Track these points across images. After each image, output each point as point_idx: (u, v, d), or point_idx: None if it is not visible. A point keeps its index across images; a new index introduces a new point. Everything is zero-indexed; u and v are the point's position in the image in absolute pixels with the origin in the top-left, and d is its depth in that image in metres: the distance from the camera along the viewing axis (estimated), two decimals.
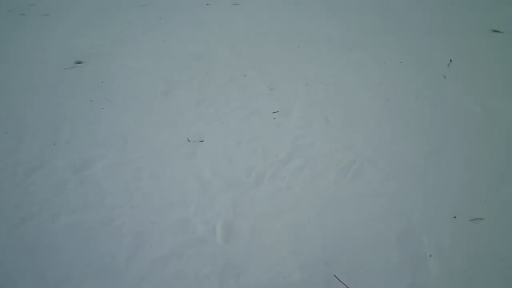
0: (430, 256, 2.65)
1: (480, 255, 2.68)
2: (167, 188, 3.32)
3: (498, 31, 6.36)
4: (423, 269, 2.59)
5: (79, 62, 5.76)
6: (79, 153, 3.78)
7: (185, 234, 2.87)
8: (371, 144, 3.76)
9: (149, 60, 5.78)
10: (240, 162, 3.57)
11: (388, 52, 5.76)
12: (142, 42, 6.40)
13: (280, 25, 7.00)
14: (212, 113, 4.38)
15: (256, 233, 2.87)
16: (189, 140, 3.91)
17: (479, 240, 2.79)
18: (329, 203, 3.12)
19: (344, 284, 2.47)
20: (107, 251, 2.79)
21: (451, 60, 5.38)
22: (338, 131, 3.99)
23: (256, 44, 6.20)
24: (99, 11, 8.03)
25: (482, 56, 5.58)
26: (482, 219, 2.92)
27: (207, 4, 8.55)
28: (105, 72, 5.44)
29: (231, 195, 3.19)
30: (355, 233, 2.85)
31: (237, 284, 2.53)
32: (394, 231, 2.85)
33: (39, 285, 2.57)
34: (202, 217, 3.00)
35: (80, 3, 8.57)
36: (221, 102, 4.59)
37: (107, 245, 2.83)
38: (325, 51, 5.90)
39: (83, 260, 2.73)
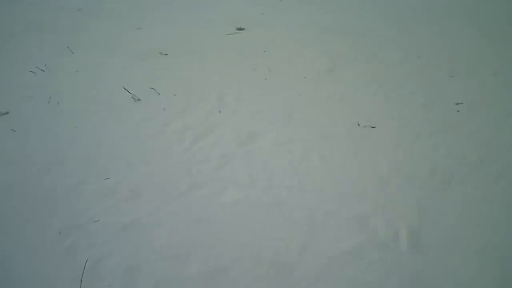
0: None
1: None
2: (338, 176, 3.00)
3: None
4: None
5: (240, 29, 5.62)
6: (244, 125, 3.61)
7: (363, 234, 2.52)
8: None
9: (310, 31, 5.44)
10: (420, 159, 3.10)
11: None
12: (302, 12, 6.07)
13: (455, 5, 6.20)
14: (383, 97, 3.93)
15: (448, 246, 2.42)
16: (359, 125, 3.52)
17: None
18: None
19: None
20: (279, 236, 2.55)
21: None
22: None
23: (430, 22, 5.51)
24: None
25: None
26: None
27: None
28: (266, 41, 5.23)
29: (414, 197, 2.76)
30: None
31: None
32: None
33: (210, 259, 2.43)
34: (382, 217, 2.62)
35: None
36: (392, 85, 4.11)
37: (278, 230, 2.59)
38: None
39: (254, 242, 2.52)
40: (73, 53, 5.21)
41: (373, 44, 4.96)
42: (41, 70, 4.78)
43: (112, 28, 5.88)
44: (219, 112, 3.81)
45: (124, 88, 4.13)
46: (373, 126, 3.51)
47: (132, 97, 4.06)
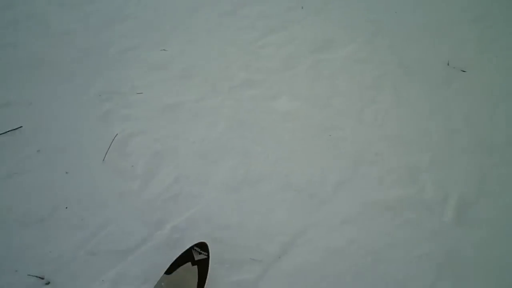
0: None
1: None
2: (404, 118, 2.64)
3: None
4: None
5: None
6: (320, 33, 3.21)
7: (409, 188, 2.23)
8: None
9: None
10: (502, 123, 2.64)
11: None
12: None
13: None
14: (488, 37, 3.31)
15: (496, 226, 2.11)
16: (448, 65, 3.03)
17: None
18: None
19: None
20: (320, 165, 2.33)
21: None
22: None
23: None
24: None
25: None
26: None
27: None
28: None
29: (479, 163, 2.38)
30: None
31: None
32: None
33: (239, 169, 2.27)
34: (435, 176, 2.30)
35: None
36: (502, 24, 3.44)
37: (323, 158, 2.36)
38: None
39: (291, 166, 2.32)
40: None
41: None
42: None
43: None
44: (302, 7, 3.39)
45: None
46: (464, 70, 3.01)
47: None
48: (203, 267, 1.77)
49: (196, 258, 1.77)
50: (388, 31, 3.26)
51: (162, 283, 1.73)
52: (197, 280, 1.74)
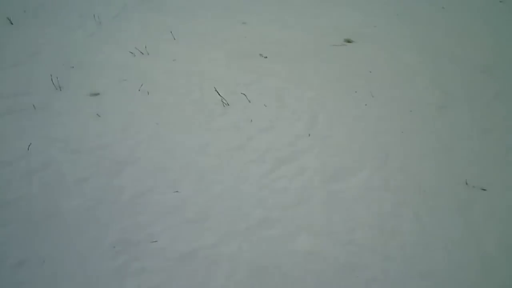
0: None
1: None
2: (432, 244, 2.51)
3: None
4: None
5: (348, 41, 5.15)
6: (332, 157, 3.22)
7: None
8: None
9: (426, 56, 4.83)
10: None
11: None
12: (421, 33, 5.43)
13: None
14: (502, 151, 3.30)
15: None
16: (467, 184, 2.97)
17: None
18: None
19: None
20: None
21: None
22: None
23: None
24: None
25: None
26: None
27: (500, 1, 7.01)
28: (374, 59, 4.71)
29: None
30: None
31: None
32: None
33: None
34: None
35: None
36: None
37: None
38: None
39: None
40: (175, 39, 5.05)
41: (498, 82, 4.25)
42: (141, 52, 4.69)
43: (217, 19, 5.66)
44: (309, 135, 3.43)
45: (215, 90, 3.88)
46: (484, 188, 2.94)
47: (222, 101, 3.81)
48: None
49: None
50: (398, 152, 3.25)
51: None
52: None
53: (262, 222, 2.65)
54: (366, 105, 3.87)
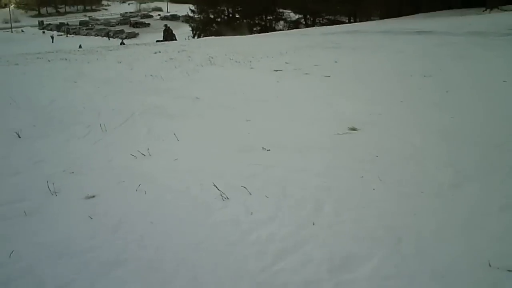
0: None
1: None
2: None
3: None
4: None
5: (353, 129, 5.05)
6: (338, 246, 2.91)
7: None
8: None
9: (432, 138, 4.66)
10: None
11: None
12: (425, 116, 5.33)
13: None
14: None
15: None
16: (490, 265, 2.59)
17: None
18: None
19: None
20: None
21: None
22: None
23: None
24: (382, 79, 7.35)
25: None
26: None
27: (504, 81, 7.00)
28: (380, 144, 4.55)
29: None
30: None
31: None
32: None
33: None
34: None
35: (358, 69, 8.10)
36: None
37: None
38: None
39: None
40: (178, 140, 5.03)
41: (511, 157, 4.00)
42: (142, 154, 4.64)
43: (221, 118, 5.70)
44: (313, 224, 3.15)
45: (213, 185, 3.71)
46: (510, 269, 2.56)
47: (221, 195, 3.61)
48: None
49: None
50: (410, 236, 2.93)
51: None
52: None
53: None
54: (374, 189, 3.62)
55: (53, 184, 3.87)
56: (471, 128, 4.78)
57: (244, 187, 3.70)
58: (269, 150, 4.60)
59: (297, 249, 2.87)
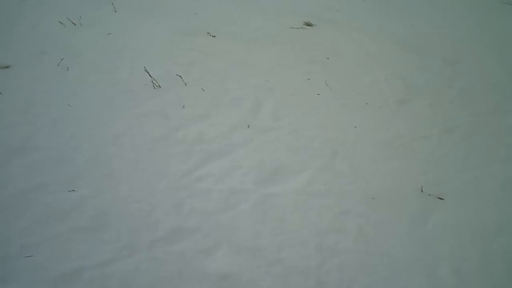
0: None
1: None
2: (375, 267, 2.01)
3: None
4: None
5: (308, 25, 4.60)
6: (271, 154, 2.67)
7: None
8: None
9: (388, 45, 4.32)
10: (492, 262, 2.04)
11: None
12: (385, 20, 4.91)
13: None
14: (463, 153, 2.82)
15: None
16: (422, 191, 2.48)
17: None
18: None
19: None
20: None
21: None
22: None
23: None
24: None
25: None
26: None
27: None
28: (333, 45, 4.18)
29: None
30: None
31: None
32: None
33: None
34: None
35: None
36: (480, 140, 2.97)
37: None
38: None
39: None
40: (116, 11, 4.38)
41: (465, 76, 3.77)
42: (73, 23, 4.02)
43: None
44: (248, 127, 2.87)
45: (145, 70, 3.26)
46: (441, 197, 2.46)
47: (152, 82, 3.20)
48: None
49: None
50: (348, 151, 2.73)
51: None
52: None
53: (173, 233, 2.09)
54: (318, 94, 3.33)
55: None
56: (431, 41, 4.47)
57: (180, 76, 3.29)
58: (214, 36, 4.11)
59: (226, 154, 2.61)
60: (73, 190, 2.25)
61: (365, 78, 3.60)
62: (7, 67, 3.29)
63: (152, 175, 2.41)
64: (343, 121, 3.03)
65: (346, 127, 2.97)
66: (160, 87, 3.19)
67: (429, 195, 2.46)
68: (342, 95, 3.34)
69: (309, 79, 3.53)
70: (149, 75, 3.22)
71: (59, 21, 4.00)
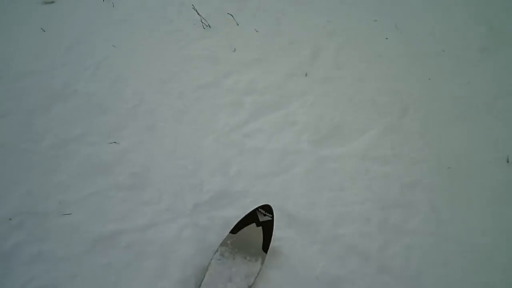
0: None
1: None
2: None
3: None
4: None
5: None
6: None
7: None
8: None
9: None
10: None
11: None
12: None
13: None
14: None
15: None
16: (508, 162, 2.07)
17: None
18: None
19: None
20: None
21: None
22: None
23: None
24: None
25: None
26: None
27: None
28: None
29: None
30: None
31: None
32: None
33: None
34: None
35: None
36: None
37: None
38: None
39: None
40: None
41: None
42: None
43: None
44: (305, 75, 2.52)
45: (193, 8, 2.92)
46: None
47: (201, 21, 2.86)
48: (267, 229, 1.65)
49: (260, 219, 1.67)
50: (419, 108, 2.33)
51: (228, 241, 1.64)
52: (262, 241, 1.63)
53: (218, 197, 1.85)
54: (387, 39, 2.87)
55: None
56: None
57: (231, 15, 2.92)
58: None
59: (279, 107, 2.29)
60: (114, 142, 2.04)
61: (441, 20, 3.07)
62: (52, 1, 3.05)
63: (199, 128, 2.15)
64: (414, 72, 2.59)
65: (418, 78, 2.54)
66: (210, 27, 2.85)
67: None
68: (414, 40, 2.86)
69: (376, 20, 3.05)
70: (198, 13, 2.88)
71: None
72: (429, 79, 2.54)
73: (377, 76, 2.54)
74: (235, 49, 2.67)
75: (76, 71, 2.42)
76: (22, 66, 2.41)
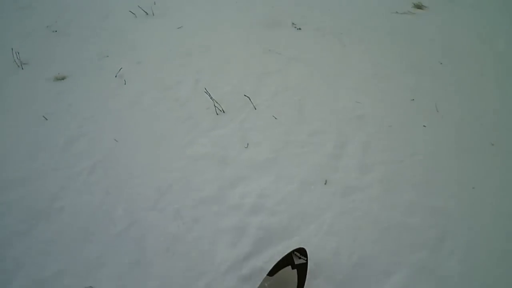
0: None
1: None
2: None
3: None
4: None
5: (418, 7, 3.50)
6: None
7: None
8: None
9: None
10: None
11: None
12: None
13: None
14: None
15: None
16: None
17: None
18: None
19: None
20: None
21: None
22: None
23: None
24: None
25: None
26: None
27: None
28: (448, 28, 3.08)
29: None
30: None
31: None
32: None
33: None
34: None
35: None
36: None
37: None
38: None
39: None
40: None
41: None
42: (145, 12, 3.41)
43: None
44: (325, 183, 2.10)
45: (206, 91, 2.58)
46: None
47: (215, 105, 2.52)
48: (302, 271, 1.65)
49: (296, 262, 1.67)
50: (459, 236, 1.85)
51: (266, 284, 1.62)
52: (296, 283, 1.62)
53: None
54: (425, 126, 2.40)
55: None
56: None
57: (248, 97, 2.55)
58: (300, 28, 3.26)
59: (290, 234, 1.88)
60: (90, 287, 1.72)
61: (492, 99, 2.55)
62: (63, 78, 2.82)
63: (190, 267, 1.76)
64: (456, 176, 2.10)
65: (460, 186, 2.06)
66: (224, 112, 2.50)
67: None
68: (457, 127, 2.37)
69: (413, 99, 2.58)
70: (211, 98, 2.52)
71: (130, 11, 3.43)
72: (473, 188, 2.05)
73: (409, 184, 2.07)
74: (247, 144, 2.29)
75: (68, 177, 2.11)
76: (12, 171, 2.14)
